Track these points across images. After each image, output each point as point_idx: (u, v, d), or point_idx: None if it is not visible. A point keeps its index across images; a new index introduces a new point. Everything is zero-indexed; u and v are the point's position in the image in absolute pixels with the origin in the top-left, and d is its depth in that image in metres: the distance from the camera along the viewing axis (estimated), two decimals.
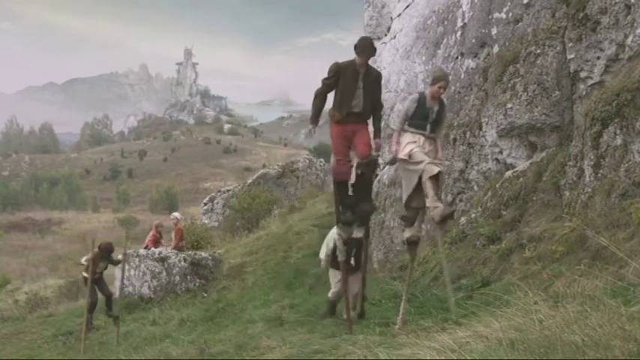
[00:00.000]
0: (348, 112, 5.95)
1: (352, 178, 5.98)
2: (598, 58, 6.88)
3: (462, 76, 9.46)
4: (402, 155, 5.91)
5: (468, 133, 8.95)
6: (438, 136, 6.07)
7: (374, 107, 6.13)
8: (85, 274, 11.61)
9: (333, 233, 7.00)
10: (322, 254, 7.71)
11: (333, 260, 7.35)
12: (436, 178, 5.81)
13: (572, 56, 7.18)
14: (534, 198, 7.25)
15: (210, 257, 14.48)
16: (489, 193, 8.18)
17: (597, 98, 6.37)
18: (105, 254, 11.53)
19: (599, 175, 6.14)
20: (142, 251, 14.60)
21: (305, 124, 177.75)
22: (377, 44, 13.14)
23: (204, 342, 8.03)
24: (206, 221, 22.84)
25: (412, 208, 6.01)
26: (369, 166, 6.03)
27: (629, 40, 6.50)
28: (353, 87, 5.92)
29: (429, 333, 5.00)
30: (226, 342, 7.67)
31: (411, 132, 5.95)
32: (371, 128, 6.29)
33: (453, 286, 7.26)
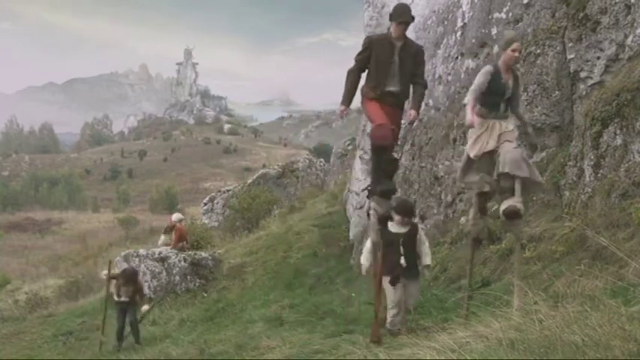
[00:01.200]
0: (383, 92, 5.25)
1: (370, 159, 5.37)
2: (598, 58, 6.88)
3: (462, 76, 9.46)
4: (472, 154, 5.18)
5: (468, 133, 8.94)
6: (519, 113, 5.28)
7: (415, 83, 5.36)
8: (116, 299, 10.49)
9: (373, 233, 5.99)
10: (364, 258, 6.18)
11: (384, 264, 5.81)
12: (485, 195, 5.18)
13: (572, 56, 7.18)
14: (534, 198, 7.25)
15: (210, 257, 14.48)
16: None
17: (597, 98, 6.37)
18: (128, 279, 10.31)
19: (599, 175, 6.14)
20: (142, 251, 14.62)
21: (305, 124, 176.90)
22: None
23: (204, 342, 8.05)
24: (206, 221, 22.87)
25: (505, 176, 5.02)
26: (390, 164, 5.46)
27: (629, 40, 6.50)
28: (388, 63, 5.20)
29: (429, 333, 5.00)
30: (226, 342, 7.68)
31: (482, 116, 5.09)
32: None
33: (453, 286, 7.27)
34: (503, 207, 5.05)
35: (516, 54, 4.99)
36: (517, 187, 4.95)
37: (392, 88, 5.24)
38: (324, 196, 18.91)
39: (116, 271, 11.63)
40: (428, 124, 10.25)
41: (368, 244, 6.11)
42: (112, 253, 25.58)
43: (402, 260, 5.84)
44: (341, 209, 15.03)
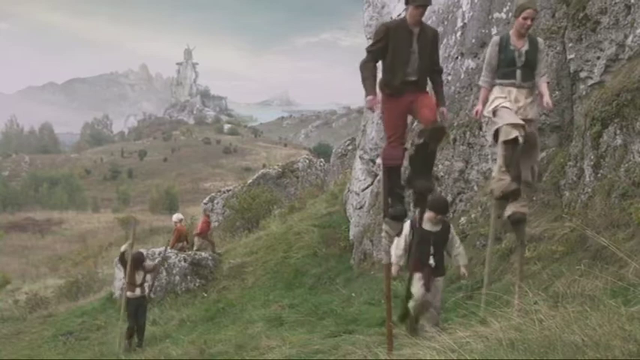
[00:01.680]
0: (402, 82, 4.86)
1: (409, 152, 4.97)
2: (598, 58, 6.88)
3: (462, 76, 9.46)
4: (485, 112, 4.87)
5: (468, 133, 8.95)
6: (541, 82, 4.87)
7: (433, 72, 5.05)
8: (127, 294, 10.22)
9: (405, 228, 5.86)
10: (394, 256, 5.91)
11: (414, 260, 5.81)
12: (512, 144, 4.72)
13: (572, 56, 7.18)
14: (534, 198, 7.25)
15: (210, 257, 14.49)
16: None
17: (597, 98, 6.37)
18: (137, 264, 10.20)
19: (599, 175, 6.14)
20: (142, 251, 14.62)
21: (305, 124, 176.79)
22: None
23: (204, 342, 8.05)
24: None
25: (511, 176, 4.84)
26: (435, 134, 4.81)
27: (629, 40, 6.50)
28: (406, 51, 4.85)
29: (429, 333, 5.00)
30: (226, 342, 7.69)
31: (499, 84, 4.84)
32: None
33: (453, 287, 7.27)
34: (508, 212, 4.87)
35: (528, 21, 4.76)
36: (524, 190, 4.82)
37: (411, 78, 4.88)
38: (324, 196, 18.90)
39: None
40: None
41: (394, 245, 5.85)
42: (112, 253, 25.60)
43: (432, 260, 5.65)
44: (341, 209, 15.02)
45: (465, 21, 9.61)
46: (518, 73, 4.83)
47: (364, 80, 4.91)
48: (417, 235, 5.73)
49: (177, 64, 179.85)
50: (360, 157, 13.02)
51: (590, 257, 5.45)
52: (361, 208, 12.61)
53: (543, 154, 7.62)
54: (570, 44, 7.20)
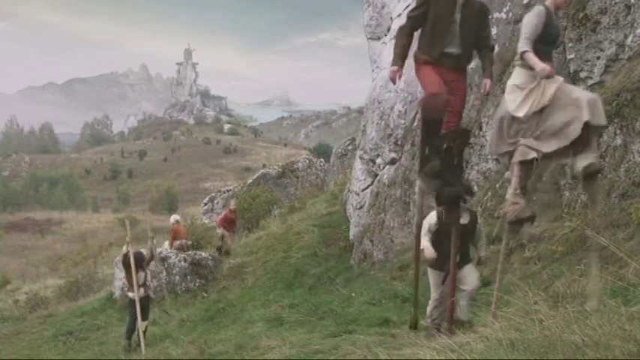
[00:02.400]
0: (441, 54, 4.51)
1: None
2: (598, 58, 6.89)
3: None
4: (519, 113, 4.24)
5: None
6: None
7: (480, 48, 4.65)
8: (129, 294, 10.12)
9: (430, 218, 5.31)
10: (422, 241, 5.34)
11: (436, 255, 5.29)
12: (529, 165, 4.26)
13: (572, 56, 7.19)
14: (534, 198, 7.25)
15: (210, 257, 14.48)
16: (489, 193, 8.19)
17: None
18: (138, 264, 10.02)
19: (599, 175, 6.14)
20: (143, 251, 14.61)
21: (305, 124, 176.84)
22: (377, 44, 13.22)
23: (204, 342, 8.04)
24: (206, 221, 22.86)
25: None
26: (459, 137, 4.58)
27: (629, 40, 6.51)
28: (447, 20, 4.48)
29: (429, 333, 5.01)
30: (226, 342, 7.68)
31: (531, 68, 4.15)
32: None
33: None
34: (582, 163, 4.07)
35: None
36: (593, 139, 4.12)
37: (451, 50, 4.51)
38: (324, 196, 18.90)
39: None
40: None
41: (425, 227, 5.33)
42: (112, 253, 25.60)
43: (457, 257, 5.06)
44: (341, 209, 15.02)
45: None
46: (553, 54, 4.35)
47: (396, 48, 4.61)
48: (440, 227, 5.20)
49: (177, 64, 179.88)
50: (360, 157, 13.02)
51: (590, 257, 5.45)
52: (361, 208, 12.61)
53: None
54: (570, 44, 7.20)
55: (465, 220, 5.13)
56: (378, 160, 12.02)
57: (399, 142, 11.19)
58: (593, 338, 2.54)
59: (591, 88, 6.99)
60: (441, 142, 4.60)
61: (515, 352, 2.74)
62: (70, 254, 36.17)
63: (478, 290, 5.34)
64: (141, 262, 10.20)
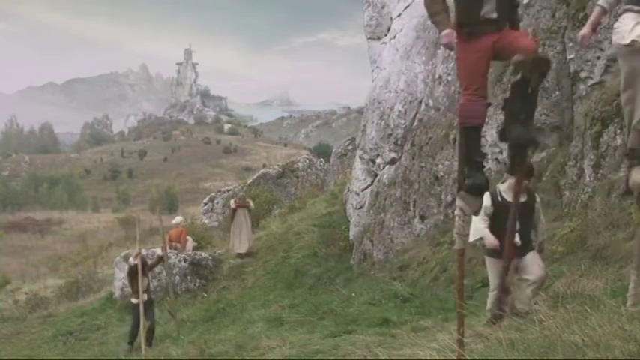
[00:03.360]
0: (480, 20, 4.04)
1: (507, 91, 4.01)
2: (598, 58, 6.88)
3: None
4: (626, 40, 3.57)
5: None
6: None
7: (511, 8, 4.20)
8: (133, 300, 10.06)
9: (485, 200, 4.52)
10: (481, 231, 4.92)
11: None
12: None
13: (572, 56, 7.19)
14: None
15: (210, 257, 14.48)
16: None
17: (597, 98, 6.37)
18: (144, 268, 9.99)
19: (599, 175, 6.15)
20: (143, 251, 14.59)
21: (305, 124, 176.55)
22: (377, 44, 13.22)
23: (204, 342, 8.03)
24: (206, 221, 22.86)
25: None
26: (537, 66, 3.81)
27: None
28: None
29: (429, 333, 5.01)
30: (226, 342, 7.68)
31: (633, 11, 3.57)
32: None
33: (454, 286, 7.27)
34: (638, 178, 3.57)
35: None
36: None
37: (490, 16, 4.01)
38: (324, 196, 18.91)
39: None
40: (428, 124, 10.25)
41: (476, 221, 4.84)
42: (112, 253, 25.59)
43: (517, 237, 4.56)
44: (341, 209, 15.02)
45: None
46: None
47: (434, 15, 4.09)
48: (497, 209, 4.69)
49: (178, 64, 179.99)
50: (360, 157, 13.02)
51: (590, 257, 5.46)
52: (361, 208, 12.61)
53: (543, 154, 7.63)
54: (570, 44, 7.20)
55: (522, 197, 4.52)
56: (378, 160, 12.02)
57: (399, 142, 11.19)
58: (593, 338, 2.54)
59: (591, 88, 7.00)
60: (482, 155, 4.25)
61: (515, 352, 2.74)
62: (70, 254, 36.16)
63: (544, 281, 4.78)
64: (144, 265, 10.13)
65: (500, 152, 8.37)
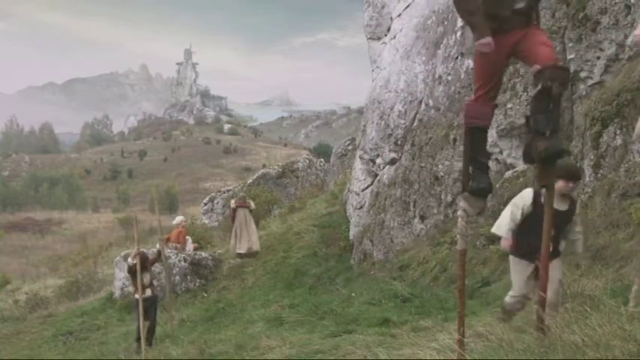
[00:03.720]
0: (510, 14, 3.73)
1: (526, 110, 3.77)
2: (598, 58, 6.89)
3: (462, 76, 9.46)
4: None
5: None
6: None
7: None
8: (136, 296, 9.88)
9: (525, 196, 4.44)
10: (503, 229, 4.60)
11: (518, 240, 4.51)
12: None
13: (572, 56, 7.18)
14: None
15: (210, 257, 14.48)
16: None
17: (597, 98, 6.37)
18: (143, 264, 9.84)
19: (599, 175, 6.14)
20: (144, 250, 14.61)
21: (305, 124, 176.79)
22: (377, 44, 13.22)
23: (204, 342, 8.03)
24: (206, 221, 22.85)
25: None
26: (557, 75, 3.62)
27: (629, 40, 6.50)
28: None
29: (429, 333, 5.01)
30: (226, 342, 7.67)
31: None
32: None
33: (453, 286, 7.27)
34: None
35: None
36: None
37: (520, 6, 3.73)
38: (324, 196, 18.91)
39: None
40: (428, 124, 10.25)
41: (506, 216, 4.58)
42: (112, 253, 25.60)
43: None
44: (341, 209, 15.02)
45: None
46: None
47: (470, 15, 3.74)
48: (536, 212, 4.36)
49: (178, 64, 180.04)
50: (360, 157, 13.02)
51: (590, 257, 5.45)
52: (361, 208, 12.61)
53: None
54: (570, 44, 7.20)
55: (564, 205, 4.33)
56: (378, 160, 12.02)
57: (399, 142, 11.19)
58: (593, 338, 2.54)
59: (591, 88, 7.00)
60: (487, 155, 4.13)
61: (515, 352, 2.74)
62: (70, 254, 36.17)
63: (562, 286, 4.48)
64: (146, 260, 10.06)
65: (500, 152, 8.37)
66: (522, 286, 4.42)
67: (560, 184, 4.22)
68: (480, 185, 3.91)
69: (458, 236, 4.06)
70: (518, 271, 4.50)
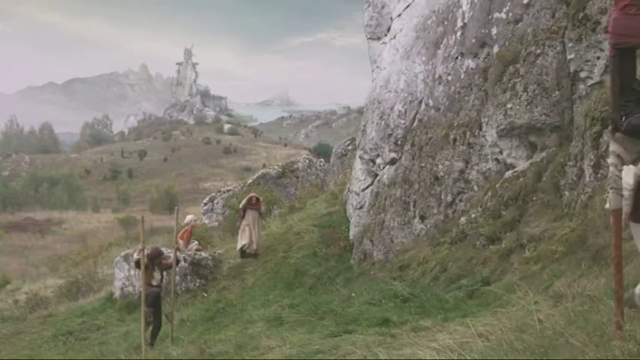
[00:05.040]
0: None
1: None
2: (598, 58, 6.88)
3: (462, 76, 9.46)
4: None
5: (468, 133, 8.95)
6: None
7: None
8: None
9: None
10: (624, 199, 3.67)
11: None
12: None
13: (572, 56, 7.18)
14: (534, 198, 7.25)
15: (210, 257, 14.48)
16: (489, 193, 8.18)
17: (597, 98, 6.37)
18: (155, 261, 9.71)
19: (599, 175, 6.14)
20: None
21: (305, 124, 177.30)
22: (377, 44, 13.22)
23: (204, 342, 8.03)
24: (206, 221, 22.85)
25: None
26: None
27: None
28: None
29: (429, 333, 5.01)
30: (226, 342, 7.67)
31: None
32: None
33: (453, 286, 7.27)
34: None
35: None
36: None
37: None
38: (324, 196, 18.91)
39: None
40: (428, 124, 10.25)
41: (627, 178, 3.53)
42: (112, 253, 25.59)
43: None
44: (341, 209, 15.02)
45: (465, 21, 9.61)
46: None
47: None
48: None
49: (177, 64, 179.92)
50: (360, 157, 13.02)
51: (590, 257, 5.45)
52: (361, 208, 12.61)
53: (543, 154, 7.63)
54: (570, 44, 7.19)
55: None
56: (378, 160, 12.02)
57: (399, 142, 11.19)
58: (593, 338, 2.54)
59: (591, 88, 7.00)
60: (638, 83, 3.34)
61: (515, 352, 2.74)
62: (70, 254, 36.17)
63: None
64: (159, 255, 9.85)
65: (500, 152, 8.37)
66: None
67: None
68: (637, 122, 3.19)
69: (610, 192, 3.42)
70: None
